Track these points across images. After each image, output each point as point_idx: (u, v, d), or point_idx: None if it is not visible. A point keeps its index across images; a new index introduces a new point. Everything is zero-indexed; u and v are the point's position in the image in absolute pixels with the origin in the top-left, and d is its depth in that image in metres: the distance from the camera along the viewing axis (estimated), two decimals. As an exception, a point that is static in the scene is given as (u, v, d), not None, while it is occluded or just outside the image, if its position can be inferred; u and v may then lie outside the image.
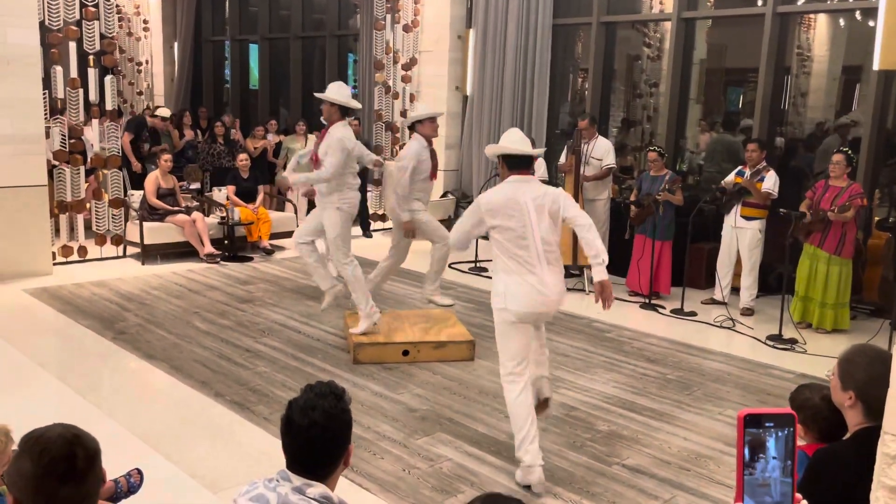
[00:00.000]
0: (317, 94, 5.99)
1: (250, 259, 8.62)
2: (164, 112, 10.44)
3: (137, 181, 9.46)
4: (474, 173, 10.17)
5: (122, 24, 14.41)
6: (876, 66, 5.39)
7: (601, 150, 7.83)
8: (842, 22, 10.13)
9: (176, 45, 14.91)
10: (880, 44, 5.07)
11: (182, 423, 4.50)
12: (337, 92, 5.72)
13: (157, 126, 10.18)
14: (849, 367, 2.12)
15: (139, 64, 14.73)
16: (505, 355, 3.92)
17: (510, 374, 3.89)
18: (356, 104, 5.83)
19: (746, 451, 1.20)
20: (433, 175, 6.22)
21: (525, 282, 3.81)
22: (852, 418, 2.11)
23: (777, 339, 6.22)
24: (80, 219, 8.05)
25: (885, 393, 1.80)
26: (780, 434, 1.17)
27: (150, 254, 8.29)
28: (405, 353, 5.55)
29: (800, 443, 2.43)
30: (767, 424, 1.16)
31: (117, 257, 8.40)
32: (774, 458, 1.20)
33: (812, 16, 9.84)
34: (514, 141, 4.02)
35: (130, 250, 8.53)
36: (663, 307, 7.15)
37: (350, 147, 5.67)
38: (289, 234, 9.35)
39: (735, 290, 7.21)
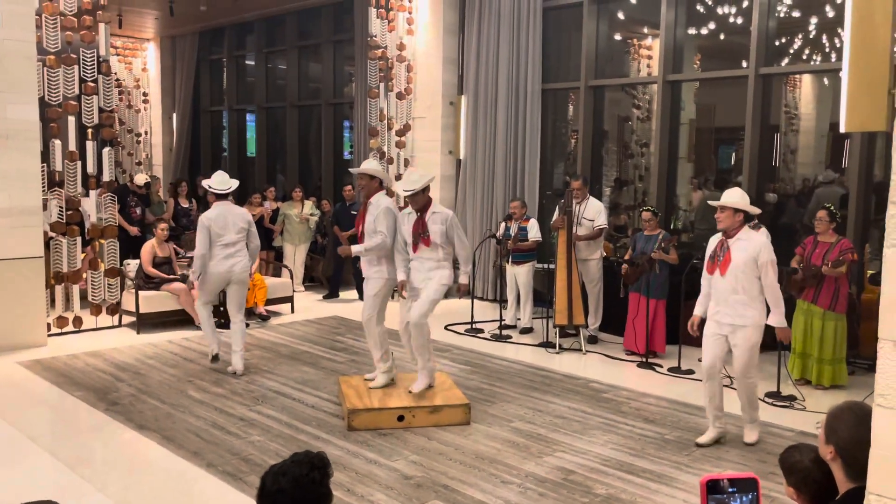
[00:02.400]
0: (354, 170, 6.15)
1: (246, 326, 8.58)
2: (140, 179, 10.60)
3: (131, 246, 9.55)
4: (468, 234, 10.24)
5: (122, 97, 14.76)
6: (842, 129, 5.52)
7: (592, 211, 7.92)
8: (826, 81, 10.37)
9: (174, 115, 15.22)
10: (845, 107, 5.19)
11: (173, 496, 4.43)
12: (376, 165, 6.04)
13: (136, 192, 10.35)
14: (834, 422, 2.11)
15: (138, 135, 15.03)
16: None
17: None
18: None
19: None
20: None
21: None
22: (837, 475, 2.09)
23: (776, 397, 6.18)
24: (75, 289, 8.07)
25: (866, 455, 1.79)
26: (743, 499, 1.16)
27: (146, 323, 8.29)
28: (400, 418, 5.50)
29: (791, 504, 2.40)
30: (730, 490, 1.16)
31: (113, 327, 8.39)
32: None
33: (798, 76, 10.09)
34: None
35: (126, 319, 8.53)
36: (660, 366, 7.11)
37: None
38: (285, 300, 9.38)
39: (732, 347, 7.17)
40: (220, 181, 6.84)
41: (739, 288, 4.99)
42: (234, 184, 6.96)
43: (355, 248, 5.87)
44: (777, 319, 5.08)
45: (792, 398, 6.12)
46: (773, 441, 5.28)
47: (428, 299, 5.62)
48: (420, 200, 5.64)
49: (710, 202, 5.58)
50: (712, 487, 1.15)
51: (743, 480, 1.17)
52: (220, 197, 6.83)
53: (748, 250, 4.97)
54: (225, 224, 6.69)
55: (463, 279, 5.83)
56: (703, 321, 5.29)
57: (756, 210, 5.17)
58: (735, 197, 5.04)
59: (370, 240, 5.78)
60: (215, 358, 6.87)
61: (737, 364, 5.13)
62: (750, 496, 1.16)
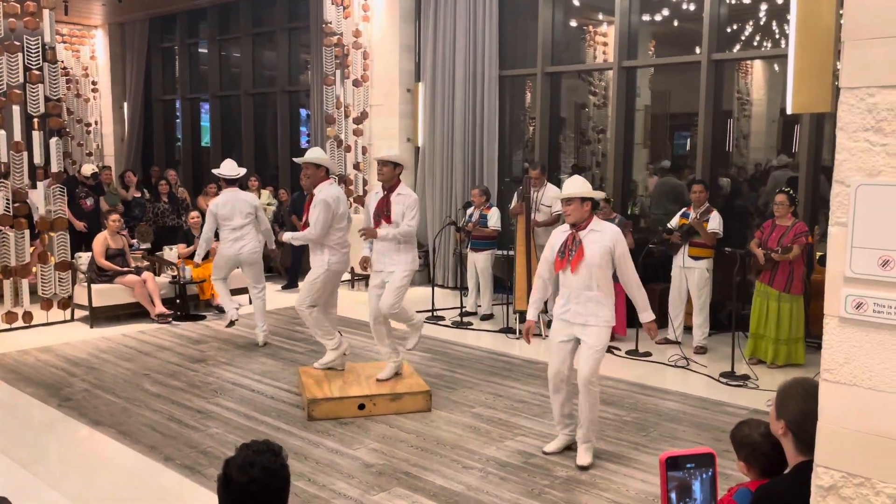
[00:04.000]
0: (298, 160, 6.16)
1: (203, 318, 8.48)
2: (87, 170, 10.36)
3: (83, 238, 9.35)
4: (428, 221, 10.23)
5: (70, 85, 14.36)
6: (789, 111, 5.64)
7: (550, 197, 7.97)
8: (776, 67, 10.57)
9: (126, 105, 14.86)
10: (791, 89, 5.30)
11: (130, 491, 4.36)
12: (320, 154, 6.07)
13: (85, 182, 10.12)
14: (784, 397, 2.16)
15: (88, 125, 14.65)
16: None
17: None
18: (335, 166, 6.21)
19: (673, 496, 1.19)
20: None
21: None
22: (788, 449, 2.14)
23: (730, 377, 6.31)
24: (25, 283, 7.86)
25: (815, 428, 1.84)
26: (703, 476, 1.18)
27: (100, 316, 8.11)
28: (361, 406, 5.48)
29: (744, 479, 2.46)
30: (688, 466, 1.17)
31: (65, 321, 8.20)
32: (699, 500, 1.20)
33: (749, 62, 10.26)
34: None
35: (79, 314, 8.33)
36: (618, 349, 7.20)
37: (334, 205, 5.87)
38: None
39: (688, 329, 7.32)
40: (230, 168, 7.35)
41: (594, 284, 4.49)
42: (242, 171, 7.50)
43: (286, 236, 6.01)
44: (646, 315, 4.60)
45: (746, 378, 6.26)
46: (728, 420, 5.39)
47: (393, 288, 5.58)
48: (387, 174, 5.57)
49: (555, 195, 5.18)
50: (671, 464, 1.16)
51: (700, 456, 1.18)
52: (230, 183, 7.31)
53: (603, 241, 4.49)
54: (232, 209, 7.17)
55: (380, 231, 5.55)
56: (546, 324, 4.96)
57: (601, 194, 4.77)
58: (578, 186, 4.57)
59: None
60: (231, 323, 7.39)
61: (584, 367, 4.52)
62: (709, 472, 1.18)
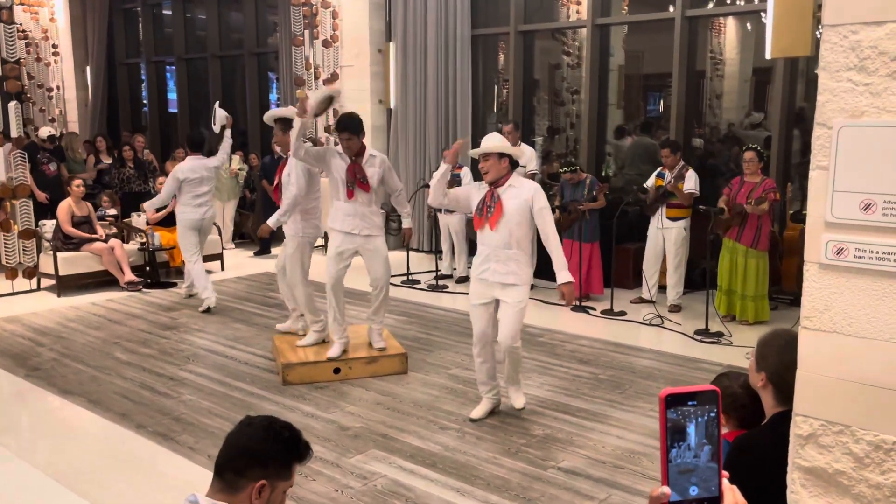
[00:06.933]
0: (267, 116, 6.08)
1: (174, 285, 8.34)
2: (44, 132, 10.07)
3: (45, 210, 9.12)
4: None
5: (29, 49, 13.90)
6: (768, 55, 5.59)
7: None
8: (749, 26, 10.51)
9: (88, 69, 14.44)
10: (771, 33, 5.25)
11: (101, 459, 4.28)
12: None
13: (45, 147, 9.84)
14: (764, 349, 2.14)
15: (50, 90, 14.22)
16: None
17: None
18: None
19: (668, 438, 1.13)
20: None
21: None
22: (767, 401, 2.13)
23: (704, 334, 6.36)
24: (-13, 253, 7.66)
25: (795, 378, 1.81)
26: (700, 418, 1.11)
27: (67, 285, 7.94)
28: (336, 370, 5.43)
29: (722, 430, 2.45)
30: (690, 403, 1.10)
31: (31, 291, 8.02)
32: (696, 441, 1.14)
33: (722, 20, 10.18)
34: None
35: (45, 283, 8.15)
36: (594, 308, 7.22)
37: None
38: (214, 258, 9.12)
39: (662, 287, 7.34)
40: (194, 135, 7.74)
41: (513, 242, 4.39)
42: (206, 133, 7.97)
43: (272, 221, 5.76)
44: (564, 274, 4.37)
45: (720, 334, 6.31)
46: (702, 376, 5.44)
47: (382, 258, 5.46)
48: (354, 146, 5.37)
49: (470, 152, 5.02)
50: (671, 402, 1.09)
51: (702, 393, 1.10)
52: (195, 150, 7.51)
53: (521, 197, 4.37)
54: (199, 176, 7.32)
55: (407, 223, 5.69)
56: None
57: (519, 153, 4.64)
58: (496, 142, 4.48)
59: (285, 194, 5.69)
60: (208, 310, 7.21)
61: (505, 329, 4.44)
62: (710, 411, 1.11)
